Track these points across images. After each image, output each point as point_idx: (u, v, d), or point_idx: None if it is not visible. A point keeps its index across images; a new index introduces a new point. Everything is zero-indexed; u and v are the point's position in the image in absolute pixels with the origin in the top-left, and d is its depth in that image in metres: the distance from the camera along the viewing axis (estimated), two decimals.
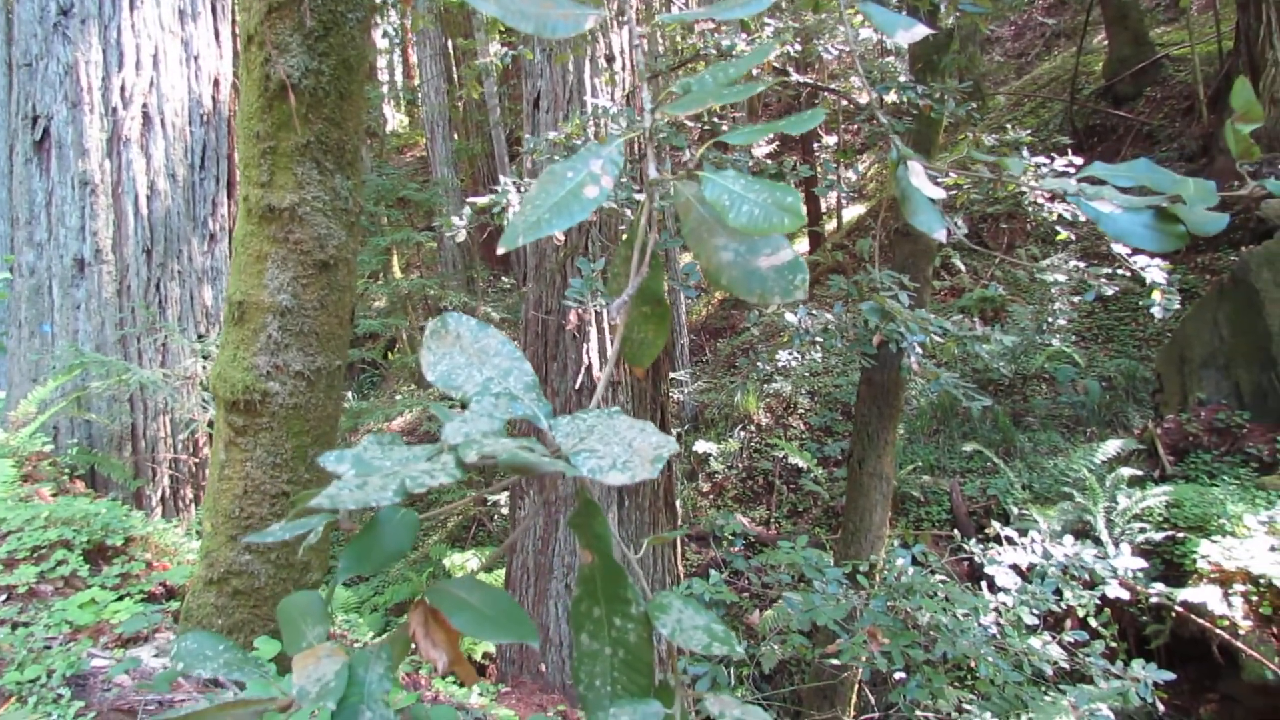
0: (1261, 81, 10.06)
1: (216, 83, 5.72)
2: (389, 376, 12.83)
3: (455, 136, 15.53)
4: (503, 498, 8.81)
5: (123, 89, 5.22)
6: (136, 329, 5.21)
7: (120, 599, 3.11)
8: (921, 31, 0.86)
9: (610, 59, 6.23)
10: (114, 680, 2.30)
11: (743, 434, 9.85)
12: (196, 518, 5.20)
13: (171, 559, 3.54)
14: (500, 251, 0.74)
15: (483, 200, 4.46)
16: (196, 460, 5.41)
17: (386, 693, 0.71)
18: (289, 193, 2.38)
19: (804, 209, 0.70)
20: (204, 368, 5.28)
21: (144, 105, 5.31)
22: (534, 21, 0.78)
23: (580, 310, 5.53)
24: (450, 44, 16.25)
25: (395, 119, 23.30)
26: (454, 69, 16.72)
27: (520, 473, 0.63)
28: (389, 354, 13.24)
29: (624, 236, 0.83)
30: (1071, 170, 4.58)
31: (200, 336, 5.51)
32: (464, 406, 0.73)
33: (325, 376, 2.54)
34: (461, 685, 5.14)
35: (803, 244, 14.91)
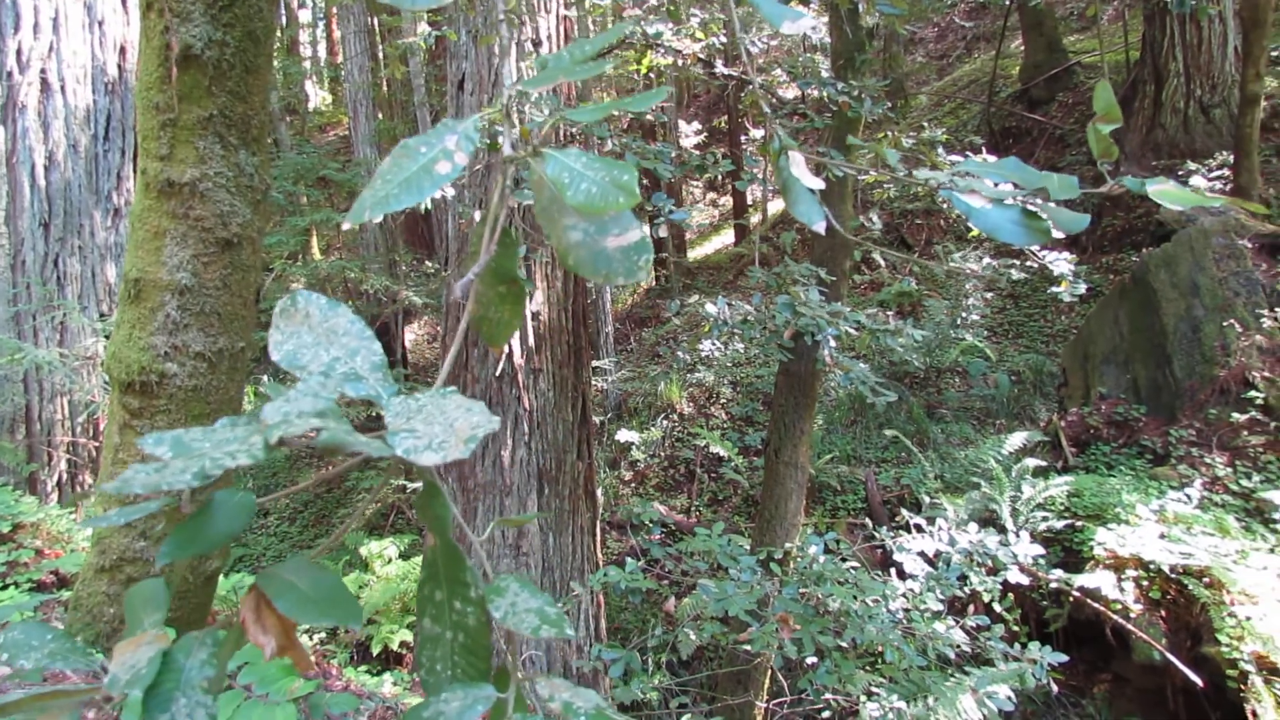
0: (1165, 91, 10.53)
1: (123, 50, 5.47)
2: None
3: (379, 116, 15.19)
4: (421, 485, 8.68)
5: (19, 53, 4.95)
6: (32, 306, 4.97)
7: (5, 588, 2.97)
8: (808, 23, 0.87)
9: (537, 43, 6.16)
10: None
11: (665, 423, 9.90)
12: (93, 503, 5.00)
13: (64, 546, 3.40)
14: (346, 226, 0.73)
15: None
16: (97, 444, 5.19)
17: (208, 680, 0.69)
18: (190, 167, 2.29)
19: (638, 189, 0.71)
20: (106, 348, 5.07)
21: (43, 71, 5.05)
22: None
23: None
24: (375, 21, 15.87)
25: (318, 96, 22.66)
26: (378, 47, 16.34)
27: (335, 452, 0.63)
28: None
29: (482, 214, 0.82)
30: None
31: (102, 315, 5.28)
32: None
33: (227, 358, 2.45)
34: (378, 674, 5.06)
35: (728, 236, 15.04)
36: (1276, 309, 6.60)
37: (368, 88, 13.08)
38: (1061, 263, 4.06)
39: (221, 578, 4.66)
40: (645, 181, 14.12)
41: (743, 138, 14.33)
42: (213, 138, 2.32)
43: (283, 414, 0.63)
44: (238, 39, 2.30)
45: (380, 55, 16.02)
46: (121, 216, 5.43)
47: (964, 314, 9.42)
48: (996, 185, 0.90)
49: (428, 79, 14.16)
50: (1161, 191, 0.81)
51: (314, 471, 10.93)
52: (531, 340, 5.84)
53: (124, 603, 0.83)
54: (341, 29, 14.77)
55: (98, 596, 2.43)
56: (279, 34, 20.88)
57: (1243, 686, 4.62)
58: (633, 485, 9.35)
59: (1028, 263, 5.39)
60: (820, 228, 0.94)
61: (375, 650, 7.31)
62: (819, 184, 0.94)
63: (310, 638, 5.42)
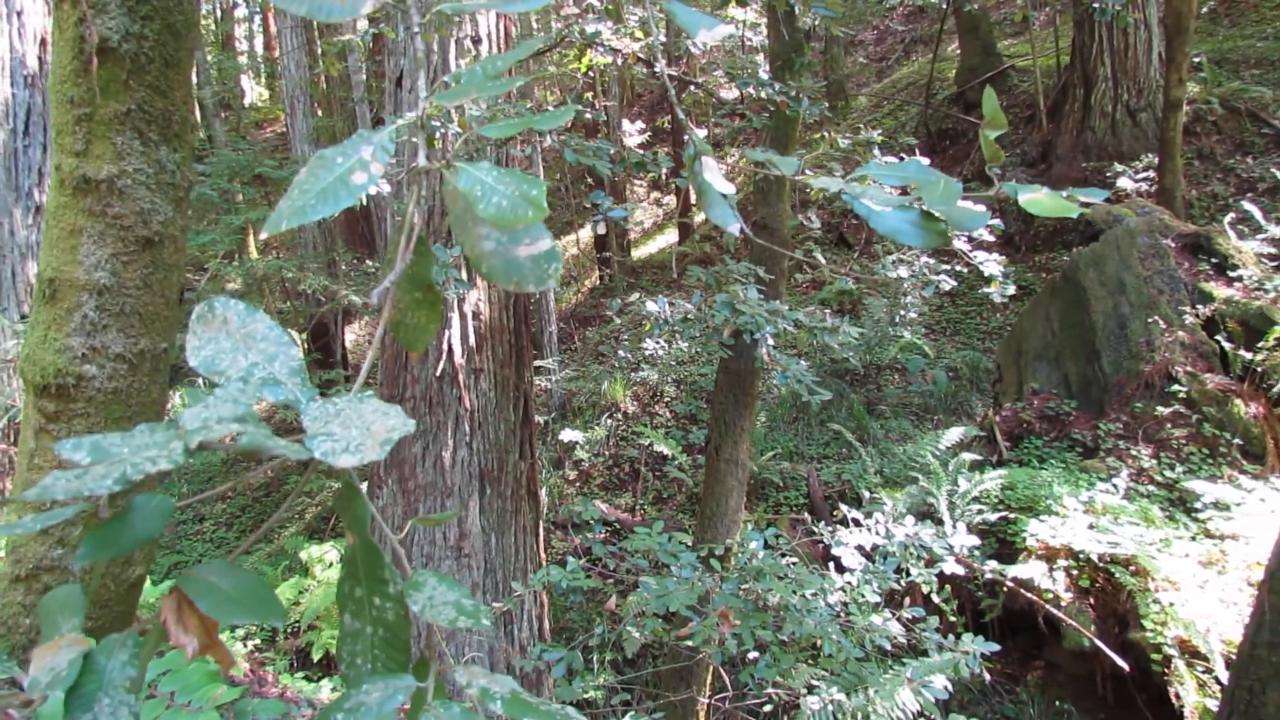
0: (1094, 95, 10.85)
1: (44, 42, 5.29)
2: None
3: (318, 112, 14.92)
4: (363, 487, 8.55)
5: None
6: None
7: None
8: (724, 31, 0.88)
9: (476, 40, 6.11)
10: None
11: (610, 422, 9.91)
12: (8, 511, 4.83)
13: None
14: (263, 236, 0.73)
15: None
16: (17, 449, 5.01)
17: (130, 680, 0.71)
18: (107, 163, 2.22)
19: (546, 203, 0.73)
20: (20, 349, 4.90)
21: None
22: (306, 5, 0.77)
23: None
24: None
25: (254, 92, 22.19)
26: (316, 43, 16.05)
27: (253, 456, 0.64)
28: None
29: (398, 222, 0.83)
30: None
31: (23, 316, 5.11)
32: None
33: (149, 360, 2.39)
34: (317, 681, 4.98)
35: (672, 235, 15.10)
36: (1197, 306, 6.84)
37: (305, 84, 12.84)
38: (992, 264, 4.16)
39: (151, 585, 4.54)
40: (589, 180, 14.10)
41: (685, 137, 14.40)
42: (131, 133, 2.25)
43: (202, 420, 0.65)
44: (156, 32, 2.24)
45: (318, 51, 15.74)
46: (44, 214, 5.26)
47: (903, 312, 9.60)
48: (899, 189, 0.92)
49: (368, 75, 13.96)
50: (1031, 200, 0.85)
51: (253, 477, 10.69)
52: (472, 340, 5.80)
53: (39, 610, 0.83)
54: (278, 24, 14.48)
55: (13, 607, 2.34)
56: (214, 28, 20.39)
57: (1166, 670, 4.79)
58: (577, 485, 9.34)
59: (958, 266, 5.52)
60: (734, 230, 0.96)
61: (316, 656, 7.18)
62: (730, 189, 0.96)
63: (246, 644, 5.31)
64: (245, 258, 12.14)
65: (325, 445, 0.64)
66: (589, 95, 13.34)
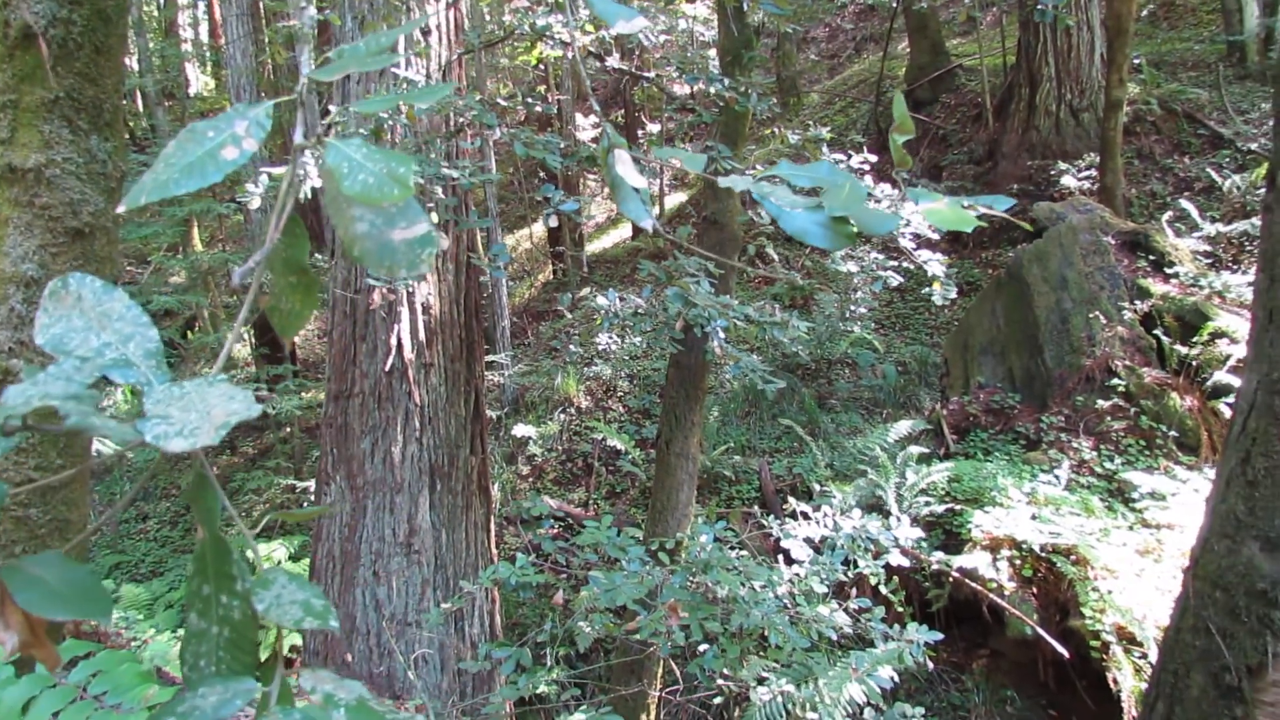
0: (1038, 94, 11.07)
1: None
2: (188, 357, 11.97)
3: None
4: (311, 484, 8.43)
5: None
6: None
7: None
8: (641, 23, 0.88)
9: (426, 32, 6.04)
10: None
11: (563, 417, 9.88)
12: None
13: None
14: (120, 210, 0.71)
15: (279, 170, 4.22)
16: None
17: None
18: (34, 152, 2.16)
19: (413, 181, 0.71)
20: None
21: None
22: None
23: (385, 289, 5.35)
24: (260, 3, 15.25)
25: (199, 81, 21.66)
26: (263, 31, 15.71)
27: (84, 435, 0.62)
28: (189, 333, 12.34)
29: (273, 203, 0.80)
30: (865, 167, 4.90)
31: None
32: None
33: None
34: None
35: (626, 230, 15.09)
36: (1136, 302, 7.02)
37: (252, 73, 12.57)
38: (935, 264, 4.21)
39: None
40: (542, 174, 14.03)
41: (640, 132, 14.39)
42: (60, 121, 2.19)
43: (25, 397, 0.61)
44: (85, 17, 2.18)
45: (265, 40, 15.41)
46: None
47: (853, 307, 9.71)
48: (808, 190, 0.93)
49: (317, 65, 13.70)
50: (931, 210, 0.86)
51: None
52: (422, 335, 5.74)
53: None
54: (223, 11, 14.15)
55: None
56: (156, 14, 19.85)
57: (1104, 656, 4.92)
58: (530, 480, 9.31)
59: (906, 263, 5.60)
60: (646, 225, 0.96)
61: (264, 655, 7.05)
62: (642, 183, 0.96)
63: None
64: (190, 250, 11.87)
65: (158, 428, 0.60)
66: (541, 88, 13.27)
